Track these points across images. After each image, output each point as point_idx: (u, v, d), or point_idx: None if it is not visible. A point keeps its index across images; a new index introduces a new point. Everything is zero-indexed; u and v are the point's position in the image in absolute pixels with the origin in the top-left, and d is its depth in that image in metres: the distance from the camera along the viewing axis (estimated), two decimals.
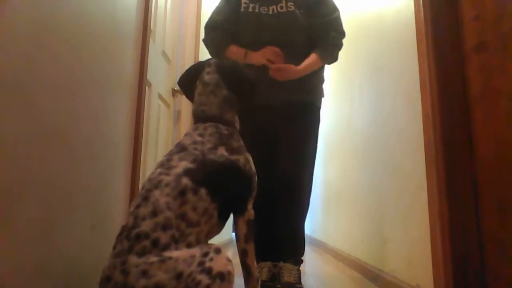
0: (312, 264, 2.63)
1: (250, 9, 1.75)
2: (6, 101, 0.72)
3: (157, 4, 1.84)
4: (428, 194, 1.26)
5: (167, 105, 2.09)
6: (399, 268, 1.58)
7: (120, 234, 0.87)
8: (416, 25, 1.37)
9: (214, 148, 1.03)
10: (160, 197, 0.89)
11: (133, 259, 0.80)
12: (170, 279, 0.78)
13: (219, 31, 1.77)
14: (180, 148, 1.03)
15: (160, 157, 1.95)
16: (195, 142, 1.03)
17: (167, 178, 0.93)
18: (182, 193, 0.91)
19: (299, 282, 1.66)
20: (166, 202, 0.88)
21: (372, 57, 2.07)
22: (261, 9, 1.74)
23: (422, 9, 1.32)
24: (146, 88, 1.63)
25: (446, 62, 1.25)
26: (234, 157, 1.04)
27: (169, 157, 1.00)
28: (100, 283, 0.81)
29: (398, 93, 1.64)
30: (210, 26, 1.80)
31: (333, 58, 1.79)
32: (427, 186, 1.27)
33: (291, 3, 1.72)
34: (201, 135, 1.06)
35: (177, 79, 2.24)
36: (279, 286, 1.62)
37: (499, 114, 1.08)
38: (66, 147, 0.94)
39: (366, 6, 2.21)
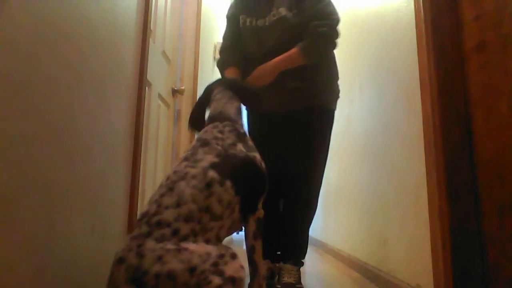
0: (312, 264, 2.63)
1: (248, 24, 1.76)
2: (5, 102, 0.72)
3: (157, 4, 1.84)
4: (428, 194, 1.26)
5: (167, 105, 2.09)
6: (399, 268, 1.58)
7: (140, 219, 0.87)
8: (416, 25, 1.37)
9: (234, 144, 1.08)
10: (186, 188, 0.90)
11: (150, 244, 0.80)
12: (183, 270, 0.77)
13: (226, 53, 1.81)
14: (203, 142, 1.06)
15: (160, 157, 1.95)
16: (216, 138, 1.08)
17: (193, 171, 0.95)
18: (208, 185, 0.93)
19: (299, 282, 1.66)
20: (192, 194, 0.90)
21: (372, 57, 2.07)
22: (258, 22, 1.74)
23: (422, 9, 1.32)
24: (146, 88, 1.62)
25: (446, 62, 1.25)
26: (251, 154, 1.10)
27: (193, 151, 1.03)
28: (113, 265, 0.81)
29: (398, 93, 1.64)
30: (220, 49, 1.87)
31: (316, 50, 1.64)
32: (427, 186, 1.27)
33: (282, 8, 1.69)
34: (220, 132, 1.11)
35: (177, 79, 2.25)
36: (279, 286, 1.62)
37: (499, 114, 1.08)
38: (65, 147, 0.94)
39: (366, 6, 2.21)
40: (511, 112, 1.03)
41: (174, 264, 0.77)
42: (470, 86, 1.21)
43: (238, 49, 1.79)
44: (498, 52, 1.09)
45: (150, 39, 1.64)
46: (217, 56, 3.25)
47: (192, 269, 0.77)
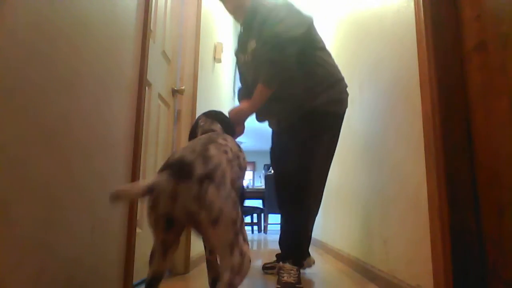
0: None
1: (242, 60, 1.93)
2: (5, 103, 0.72)
3: (157, 4, 1.84)
4: (428, 194, 1.26)
5: (167, 105, 2.09)
6: (399, 268, 1.58)
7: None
8: (416, 25, 1.37)
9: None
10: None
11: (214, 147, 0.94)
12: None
13: (241, 86, 2.06)
14: (206, 131, 1.27)
15: (160, 157, 1.95)
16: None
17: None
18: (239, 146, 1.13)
19: (299, 282, 1.66)
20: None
21: (372, 57, 2.06)
22: (246, 57, 1.88)
23: (422, 9, 1.32)
24: (146, 88, 1.62)
25: (446, 62, 1.25)
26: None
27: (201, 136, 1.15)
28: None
29: (398, 93, 1.64)
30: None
31: (271, 77, 1.68)
32: (427, 186, 1.27)
33: (253, 40, 1.78)
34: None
35: (178, 79, 2.25)
36: (279, 286, 1.62)
37: (499, 114, 1.08)
38: (65, 147, 0.94)
39: (366, 6, 2.21)
40: (511, 112, 1.03)
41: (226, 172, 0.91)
42: (470, 86, 1.21)
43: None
44: (498, 52, 1.09)
45: (150, 39, 1.64)
46: (217, 56, 3.27)
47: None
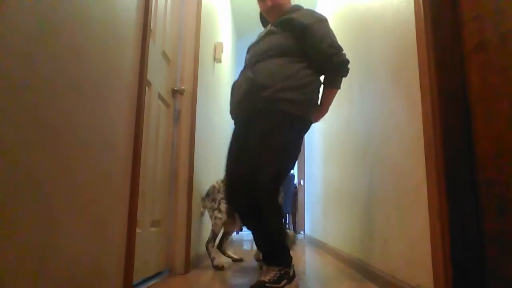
0: (312, 264, 2.63)
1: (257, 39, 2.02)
2: (5, 102, 0.72)
3: (157, 4, 1.84)
4: (428, 194, 1.26)
5: (167, 105, 2.09)
6: (399, 268, 1.58)
7: None
8: (416, 25, 1.37)
9: None
10: None
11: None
12: None
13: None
14: None
15: (160, 157, 1.95)
16: None
17: None
18: None
19: (276, 281, 1.64)
20: None
21: (372, 57, 2.07)
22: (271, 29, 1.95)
23: (422, 9, 1.32)
24: (146, 88, 1.62)
25: (446, 62, 1.25)
26: None
27: None
28: None
29: (398, 93, 1.64)
30: None
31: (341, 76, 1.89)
32: (427, 186, 1.27)
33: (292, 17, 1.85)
34: None
35: (178, 79, 2.25)
36: (252, 284, 1.61)
37: (499, 114, 1.08)
38: (65, 147, 0.94)
39: (366, 6, 2.21)
40: (510, 112, 1.03)
41: None
42: (470, 86, 1.21)
43: None
44: (498, 52, 1.09)
45: (150, 39, 1.64)
46: (217, 56, 3.26)
47: None
